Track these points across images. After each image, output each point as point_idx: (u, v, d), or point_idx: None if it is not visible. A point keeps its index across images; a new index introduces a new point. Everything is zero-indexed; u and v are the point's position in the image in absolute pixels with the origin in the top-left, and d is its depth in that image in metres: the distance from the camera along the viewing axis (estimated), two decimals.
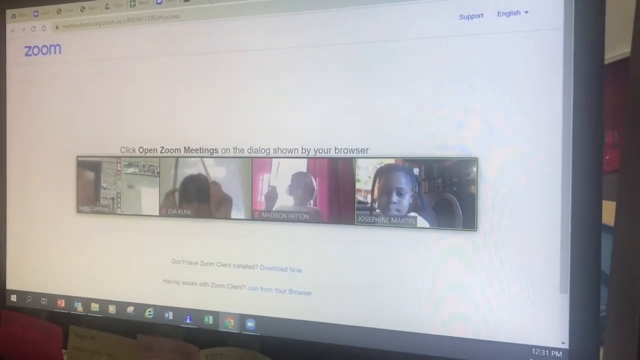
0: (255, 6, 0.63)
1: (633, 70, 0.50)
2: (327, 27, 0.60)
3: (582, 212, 0.52)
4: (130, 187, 0.68)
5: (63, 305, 0.72)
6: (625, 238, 0.51)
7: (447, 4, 0.56)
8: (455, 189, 0.56)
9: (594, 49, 0.52)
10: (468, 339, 0.56)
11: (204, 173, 0.65)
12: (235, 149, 0.64)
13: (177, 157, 0.66)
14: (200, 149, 0.65)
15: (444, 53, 0.56)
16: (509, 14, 0.54)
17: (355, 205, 0.59)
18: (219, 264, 0.65)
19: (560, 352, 0.53)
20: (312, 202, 0.61)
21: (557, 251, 0.53)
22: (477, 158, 0.55)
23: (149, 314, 0.68)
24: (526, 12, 0.54)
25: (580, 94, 0.52)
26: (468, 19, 0.56)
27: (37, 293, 0.73)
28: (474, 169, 0.55)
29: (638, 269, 0.49)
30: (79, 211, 0.71)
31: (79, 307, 0.71)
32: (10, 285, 0.75)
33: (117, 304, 0.69)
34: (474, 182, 0.55)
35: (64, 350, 0.71)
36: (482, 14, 0.55)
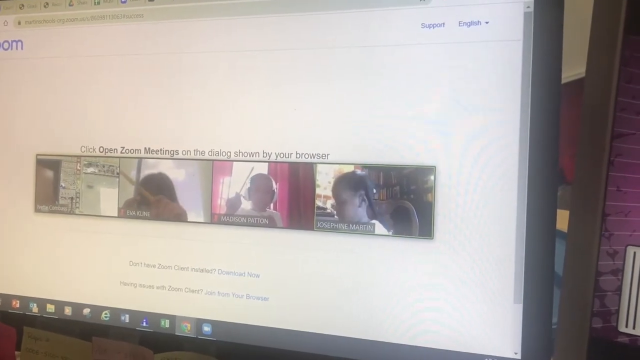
0: (219, 8, 0.63)
1: (587, 88, 0.50)
2: (290, 31, 0.60)
3: (537, 223, 0.53)
4: (89, 187, 0.67)
5: (18, 305, 0.70)
6: (578, 246, 0.51)
7: (409, 13, 0.56)
8: (412, 196, 0.56)
9: (552, 59, 0.53)
10: (421, 347, 0.56)
11: (164, 174, 0.64)
12: (196, 151, 0.63)
13: (137, 158, 0.65)
14: (160, 150, 0.64)
15: (405, 61, 0.56)
16: (469, 24, 0.55)
17: (315, 210, 0.59)
18: (176, 267, 0.64)
19: None
20: (271, 206, 0.60)
21: (512, 262, 0.53)
22: (434, 166, 0.55)
23: (105, 316, 0.67)
24: (487, 22, 0.54)
25: (538, 104, 0.53)
26: (430, 27, 0.56)
27: None
28: (432, 177, 0.55)
29: (589, 277, 0.50)
30: (37, 210, 0.70)
31: (34, 308, 0.70)
32: None
33: (73, 305, 0.68)
34: (431, 190, 0.55)
35: (17, 352, 0.70)
36: (444, 24, 0.56)
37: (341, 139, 0.58)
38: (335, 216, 0.58)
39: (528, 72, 0.53)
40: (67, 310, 0.68)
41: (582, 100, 0.51)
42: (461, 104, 0.55)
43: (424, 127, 0.56)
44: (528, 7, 0.53)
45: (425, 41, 0.56)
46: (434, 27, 0.56)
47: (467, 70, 0.55)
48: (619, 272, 0.48)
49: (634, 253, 0.48)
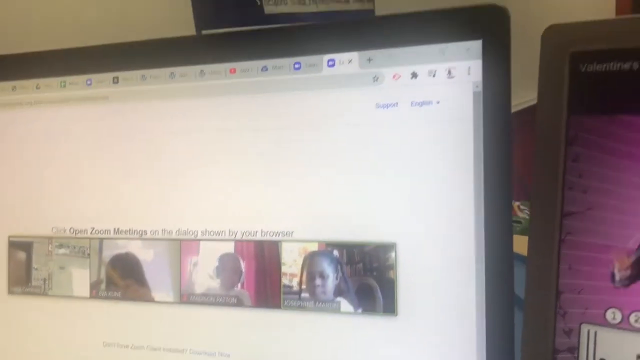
0: (183, 90, 0.64)
1: (536, 168, 0.52)
2: (251, 111, 0.61)
3: (496, 295, 0.54)
4: (61, 268, 0.68)
5: None
6: (534, 324, 0.52)
7: (363, 93, 0.58)
8: (375, 273, 0.57)
9: (501, 135, 0.54)
10: None
11: (133, 255, 0.65)
12: (163, 230, 0.64)
13: (107, 239, 0.66)
14: (129, 230, 0.65)
15: (362, 140, 0.58)
16: (421, 104, 0.56)
17: (282, 289, 0.59)
18: (149, 347, 0.64)
19: None
20: (239, 285, 0.61)
21: (474, 335, 0.54)
22: (395, 243, 0.56)
23: None
24: (438, 102, 0.56)
25: (491, 179, 0.54)
26: (384, 107, 0.57)
27: None
28: (393, 254, 0.56)
29: (546, 355, 0.50)
30: (10, 292, 0.70)
31: None
32: None
33: None
34: (393, 267, 0.56)
35: None
36: (397, 103, 0.57)
37: (305, 216, 0.59)
38: (302, 294, 0.59)
39: (479, 147, 0.55)
40: None
41: (532, 180, 0.52)
42: (416, 181, 0.56)
43: (383, 204, 0.57)
44: (477, 86, 0.55)
45: (380, 121, 0.57)
46: (387, 107, 0.57)
47: (421, 148, 0.56)
48: (574, 349, 0.49)
49: (588, 331, 0.49)
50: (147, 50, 0.66)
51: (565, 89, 0.51)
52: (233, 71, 0.62)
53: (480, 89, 0.55)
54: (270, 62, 0.61)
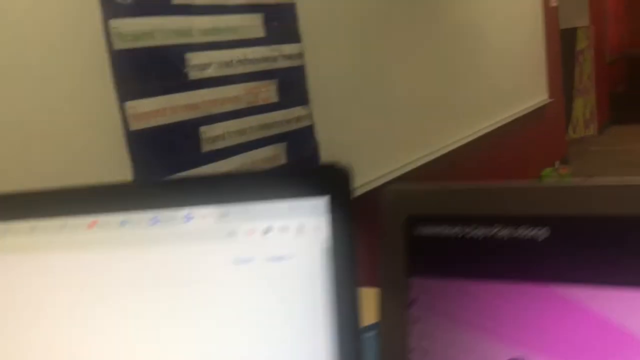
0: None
1: (382, 334, 0.52)
2: (109, 267, 0.61)
3: None
4: None
5: None
6: None
7: (220, 247, 0.58)
8: None
9: (347, 289, 0.54)
10: None
11: None
12: None
13: None
14: None
15: (220, 296, 0.58)
16: (276, 259, 0.57)
17: None
18: None
19: None
20: None
21: None
22: None
23: None
24: (291, 258, 0.56)
25: (340, 331, 0.54)
26: (240, 263, 0.57)
27: None
28: None
29: None
30: None
31: None
32: None
33: None
34: None
35: None
36: (253, 258, 0.57)
37: None
38: None
39: (330, 303, 0.55)
40: None
41: (378, 341, 0.53)
42: (274, 339, 0.56)
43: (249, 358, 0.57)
44: (325, 244, 0.55)
45: (237, 276, 0.57)
46: (244, 262, 0.57)
47: (277, 305, 0.56)
48: None
49: None
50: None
51: (403, 250, 0.52)
52: (92, 225, 0.61)
53: (328, 245, 0.55)
54: (128, 216, 0.60)
